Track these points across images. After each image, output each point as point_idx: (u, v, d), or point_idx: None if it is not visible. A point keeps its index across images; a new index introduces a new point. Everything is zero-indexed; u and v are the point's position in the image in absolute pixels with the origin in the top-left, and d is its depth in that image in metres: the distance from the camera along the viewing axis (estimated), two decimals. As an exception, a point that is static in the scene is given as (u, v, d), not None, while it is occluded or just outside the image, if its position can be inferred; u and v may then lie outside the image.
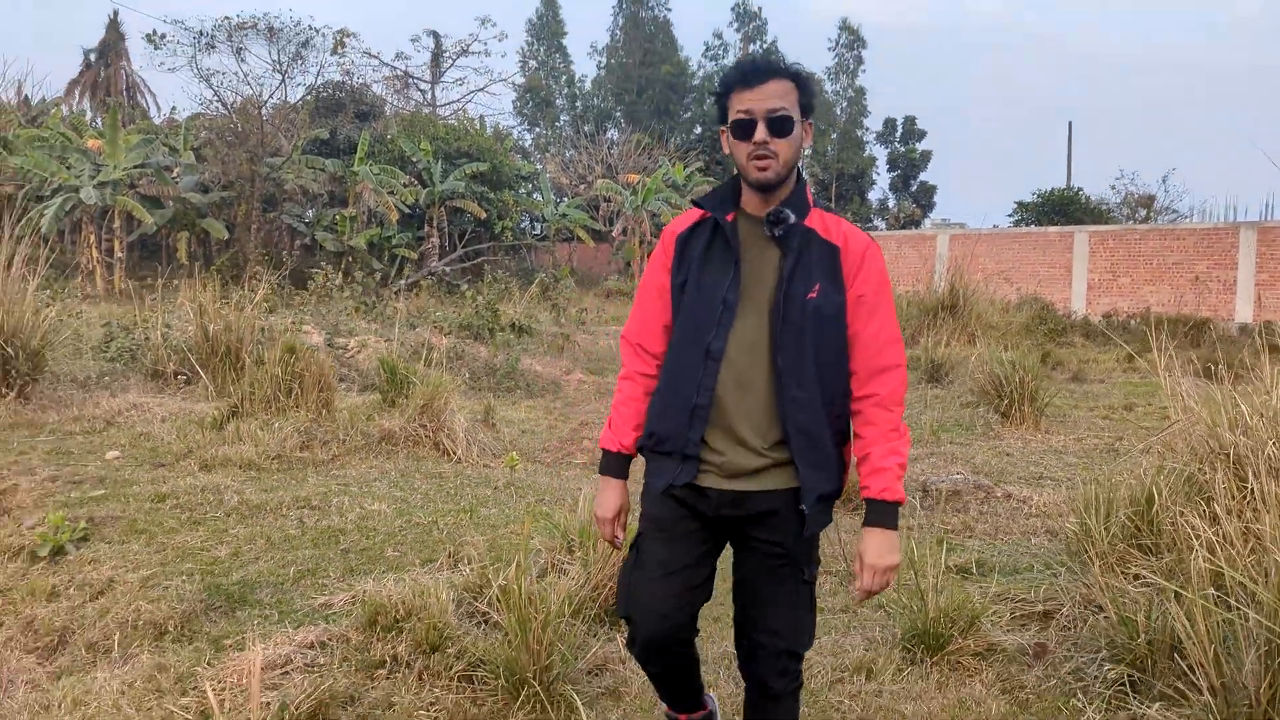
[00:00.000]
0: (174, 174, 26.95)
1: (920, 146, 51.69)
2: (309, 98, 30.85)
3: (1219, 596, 3.02)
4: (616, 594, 2.58)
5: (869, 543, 2.33)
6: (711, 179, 38.37)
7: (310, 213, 28.79)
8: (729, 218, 2.40)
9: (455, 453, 6.77)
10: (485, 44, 58.52)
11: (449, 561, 4.27)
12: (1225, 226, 21.69)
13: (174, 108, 49.51)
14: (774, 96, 2.30)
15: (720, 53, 52.88)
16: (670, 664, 2.52)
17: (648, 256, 33.64)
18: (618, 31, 52.86)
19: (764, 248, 2.37)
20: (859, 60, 52.78)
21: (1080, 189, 35.87)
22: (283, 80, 27.24)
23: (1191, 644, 2.96)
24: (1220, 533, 3.20)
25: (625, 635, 2.54)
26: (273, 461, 6.36)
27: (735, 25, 52.63)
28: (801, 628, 2.44)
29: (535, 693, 3.02)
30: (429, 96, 45.19)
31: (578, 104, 53.55)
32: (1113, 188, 38.53)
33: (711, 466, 2.36)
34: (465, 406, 7.50)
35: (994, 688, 3.35)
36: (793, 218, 2.34)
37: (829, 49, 53.21)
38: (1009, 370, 9.38)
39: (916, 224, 45.57)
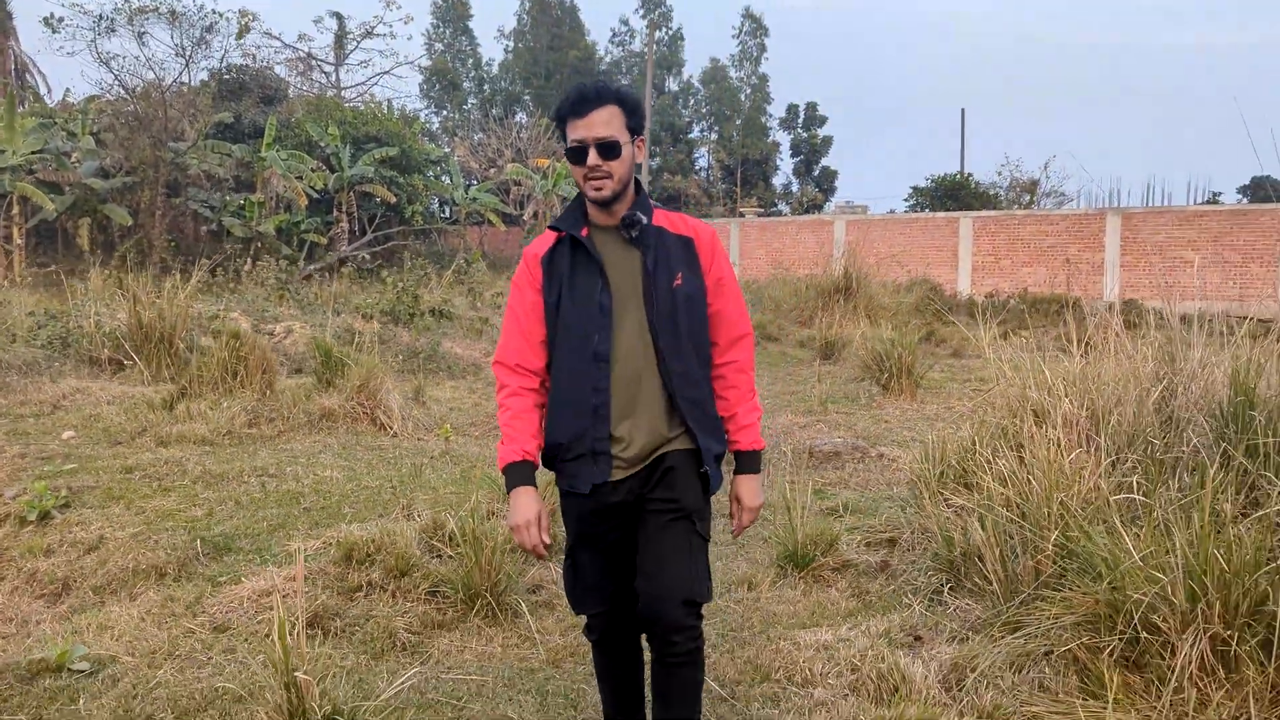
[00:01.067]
0: (73, 159, 26.58)
1: (822, 132, 53.25)
2: (211, 82, 30.62)
3: (1009, 516, 3.99)
4: (566, 594, 2.79)
5: (743, 488, 2.67)
6: (619, 164, 39.05)
7: (216, 198, 28.67)
8: (584, 233, 2.62)
9: (391, 427, 7.48)
10: (391, 26, 57.92)
11: (403, 513, 5.03)
12: (1094, 212, 23.40)
13: (68, 90, 48.12)
14: (600, 124, 2.50)
15: (627, 39, 53.66)
16: (621, 645, 2.75)
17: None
18: (525, 16, 53.12)
19: (623, 252, 2.61)
20: (762, 48, 54.08)
21: (971, 175, 37.72)
22: (186, 65, 27.05)
23: (987, 551, 3.92)
24: (1010, 469, 4.18)
25: (584, 625, 2.78)
26: (224, 437, 6.99)
27: (641, 12, 53.38)
28: (698, 577, 2.59)
29: (488, 603, 3.84)
30: (333, 79, 44.87)
31: (485, 87, 53.70)
32: (999, 174, 40.54)
33: (620, 459, 2.57)
34: (396, 387, 8.19)
35: (846, 593, 4.29)
36: (644, 220, 2.59)
37: (733, 36, 54.40)
38: (889, 348, 10.44)
39: (819, 208, 47.08)
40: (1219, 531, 3.18)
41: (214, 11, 27.02)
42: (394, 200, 31.76)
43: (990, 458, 4.60)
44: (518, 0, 53.29)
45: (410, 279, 13.68)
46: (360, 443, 7.17)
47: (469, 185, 38.23)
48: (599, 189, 2.52)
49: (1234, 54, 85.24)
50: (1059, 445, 4.35)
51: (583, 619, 2.80)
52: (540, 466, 2.64)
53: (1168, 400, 4.81)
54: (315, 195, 29.55)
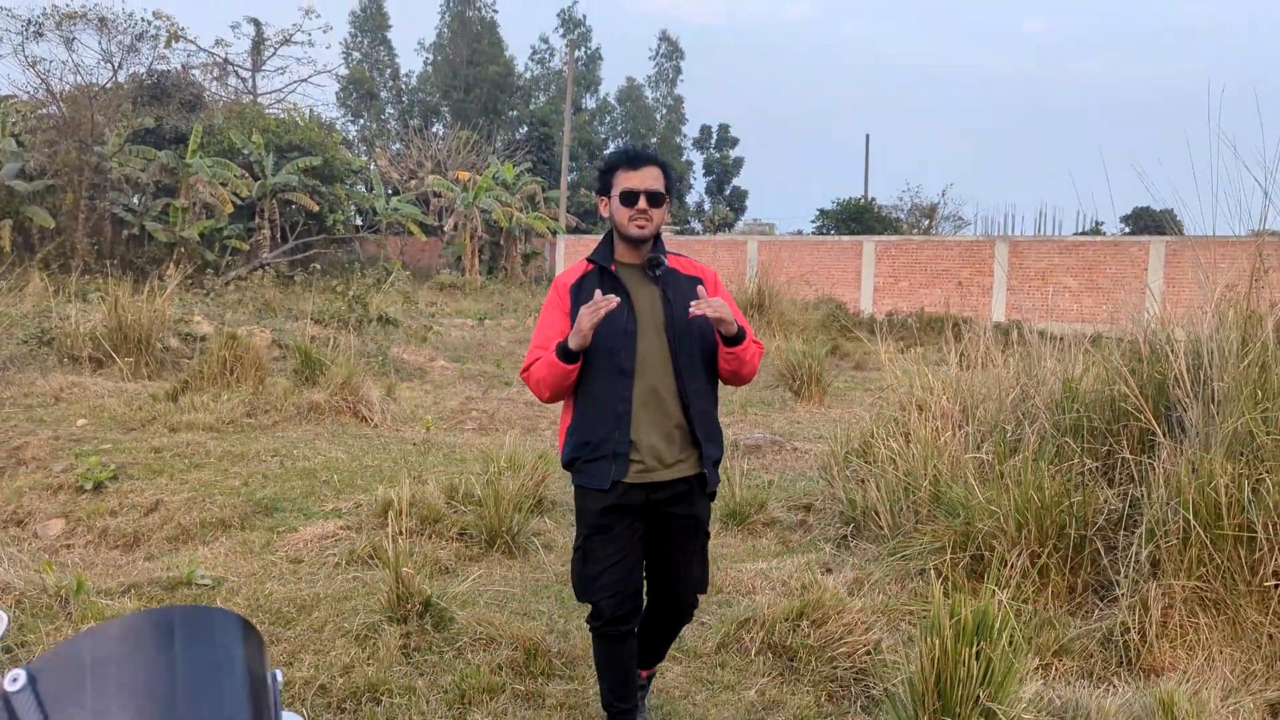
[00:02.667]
0: (-7, 161, 26.53)
1: (733, 153, 55.22)
2: (131, 85, 30.75)
3: (896, 478, 5.31)
4: (573, 583, 3.15)
5: (723, 302, 2.94)
6: (540, 179, 40.13)
7: (138, 202, 28.85)
8: (612, 267, 3.07)
9: (372, 420, 8.51)
10: (309, 34, 57.96)
11: (416, 482, 6.13)
12: (984, 240, 25.45)
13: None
14: (651, 179, 2.99)
15: (547, 56, 54.76)
16: (623, 632, 3.06)
17: (478, 252, 34.62)
18: (444, 29, 53.83)
19: (645, 287, 3.05)
20: (677, 70, 55.85)
21: (874, 199, 39.89)
22: (114, 72, 27.27)
23: (881, 506, 5.23)
24: (900, 447, 5.51)
25: (589, 613, 3.12)
26: (227, 425, 7.94)
27: (561, 31, 54.61)
28: (706, 573, 3.26)
29: (505, 542, 5.00)
30: (249, 85, 44.91)
31: (404, 98, 54.20)
32: (900, 198, 42.85)
33: (638, 462, 2.97)
34: (375, 384, 9.21)
35: (774, 540, 5.56)
36: (665, 262, 3.07)
37: (650, 58, 56.03)
38: (800, 359, 11.84)
39: (730, 226, 48.91)
40: (1038, 483, 4.53)
41: (143, 20, 27.15)
42: (316, 209, 32.27)
43: (884, 439, 5.94)
44: (438, 13, 53.97)
45: (358, 287, 14.60)
46: (347, 432, 8.19)
47: (390, 195, 38.84)
48: (642, 228, 3.00)
49: (1133, 85, 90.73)
50: (936, 429, 5.71)
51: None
52: (562, 467, 3.15)
53: (1022, 399, 6.20)
54: (239, 202, 29.94)
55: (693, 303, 2.90)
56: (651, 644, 3.34)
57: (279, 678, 1.02)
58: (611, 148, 55.47)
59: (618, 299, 2.85)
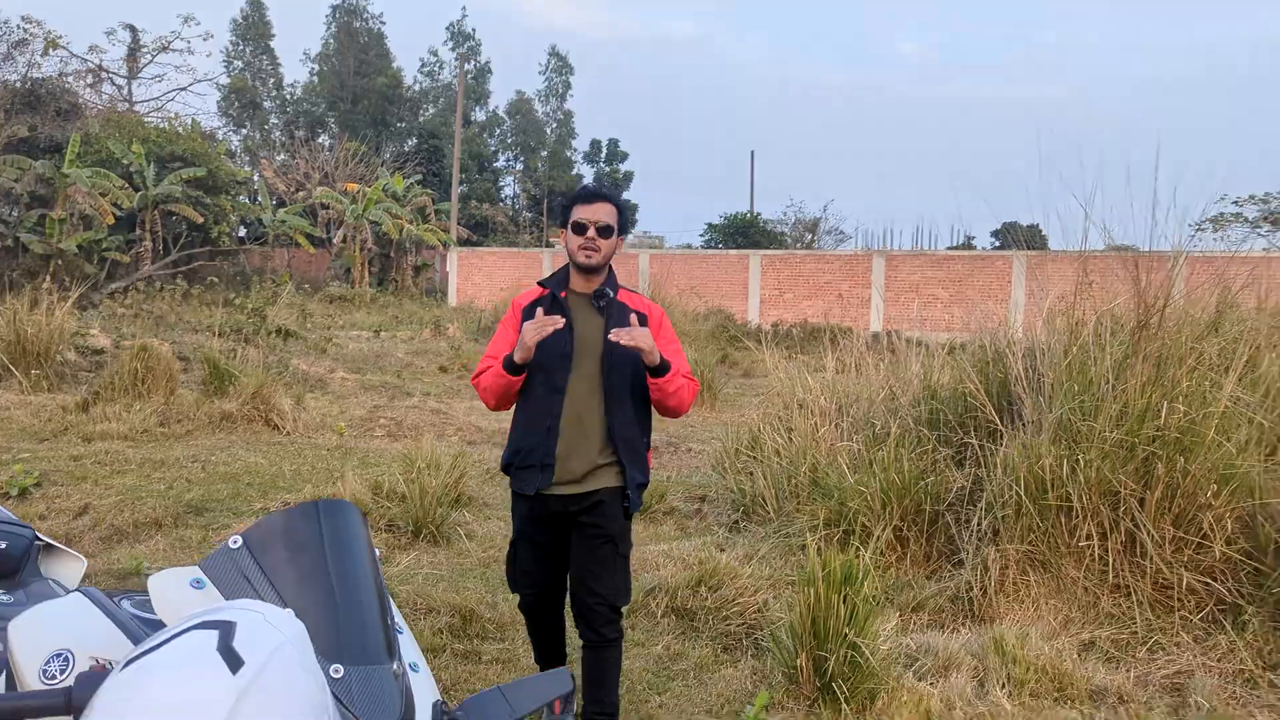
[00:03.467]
0: None
1: (623, 167, 56.13)
2: (4, 93, 29.76)
3: (780, 467, 5.98)
4: (506, 575, 3.49)
5: (647, 338, 3.07)
6: (430, 191, 40.16)
7: (12, 213, 27.94)
8: (563, 294, 3.27)
9: (285, 428, 8.82)
10: (188, 42, 56.50)
11: (338, 482, 6.52)
12: (863, 254, 26.79)
13: None
14: (603, 214, 3.20)
15: (436, 69, 54.72)
16: (546, 620, 3.42)
17: (368, 264, 34.49)
18: (330, 39, 53.30)
19: (590, 315, 3.25)
20: (567, 85, 56.52)
21: (759, 214, 41.25)
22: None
23: (767, 492, 5.89)
24: (783, 440, 6.20)
25: (518, 600, 3.47)
26: (141, 435, 8.16)
27: (450, 45, 54.67)
28: (620, 589, 3.29)
29: (431, 532, 5.48)
30: (126, 93, 43.71)
31: (288, 108, 53.40)
32: (784, 214, 44.38)
33: (560, 473, 3.18)
34: (287, 394, 9.50)
35: (673, 527, 6.17)
36: (612, 295, 3.26)
37: (540, 72, 56.56)
38: (693, 367, 12.53)
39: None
40: (900, 467, 5.26)
41: (20, 26, 26.38)
42: (201, 220, 31.70)
43: (770, 434, 6.63)
44: (323, 24, 53.41)
45: (259, 300, 14.71)
46: (261, 439, 8.49)
47: (277, 207, 38.32)
48: (589, 256, 3.20)
49: (1001, 104, 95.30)
50: (815, 424, 6.42)
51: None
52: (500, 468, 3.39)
53: (890, 398, 6.96)
54: (119, 214, 29.25)
55: (614, 330, 3.07)
56: (591, 690, 3.30)
57: (379, 553, 1.59)
58: (502, 160, 55.80)
59: (562, 320, 3.09)
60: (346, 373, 14.28)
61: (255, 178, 40.83)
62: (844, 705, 3.61)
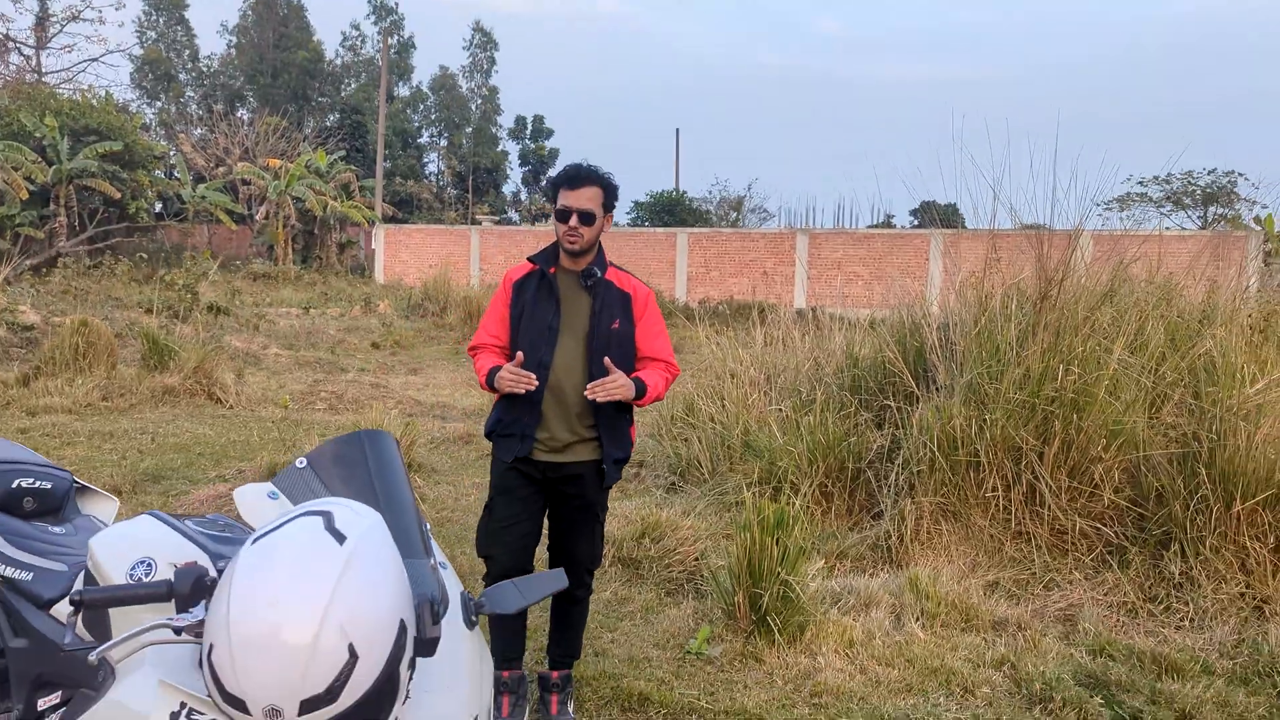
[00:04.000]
0: None
1: (549, 144, 56.04)
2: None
3: (713, 432, 6.39)
4: (476, 540, 3.42)
5: (621, 379, 3.16)
6: (354, 167, 39.74)
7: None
8: (551, 270, 3.31)
9: (228, 401, 8.96)
10: (99, 11, 54.78)
11: (291, 452, 6.74)
12: (786, 232, 27.41)
13: None
14: (585, 199, 3.20)
15: (358, 44, 53.88)
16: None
17: (291, 241, 33.99)
18: (249, 11, 52.10)
19: (577, 293, 3.31)
20: (492, 60, 56.11)
21: (685, 192, 41.65)
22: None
23: (702, 455, 6.29)
24: (716, 407, 6.61)
25: (485, 571, 3.39)
26: (85, 409, 8.24)
27: (373, 19, 53.86)
28: (596, 553, 3.47)
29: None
30: (34, 63, 42.30)
31: (205, 81, 52.13)
32: (709, 192, 44.94)
33: (540, 444, 3.26)
34: (229, 368, 9.61)
35: (615, 491, 6.51)
36: (599, 274, 3.29)
37: (464, 48, 56.03)
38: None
39: (547, 216, 49.73)
40: (825, 429, 5.70)
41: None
42: (118, 196, 30.99)
43: (704, 403, 7.03)
44: (242, -5, 52.15)
45: (190, 276, 14.64)
46: (204, 413, 8.62)
47: (196, 182, 37.55)
48: (572, 243, 3.24)
49: (923, 84, 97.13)
50: (745, 393, 6.84)
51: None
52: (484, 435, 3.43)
53: (815, 368, 7.42)
54: (33, 189, 28.46)
55: (589, 387, 3.14)
56: (558, 634, 3.54)
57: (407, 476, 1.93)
58: (426, 137, 55.26)
59: (534, 383, 3.14)
60: (279, 349, 14.34)
61: (172, 153, 39.89)
62: (777, 636, 4.03)
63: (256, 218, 37.60)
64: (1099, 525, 5.07)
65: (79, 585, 2.03)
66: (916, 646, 4.10)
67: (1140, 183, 37.33)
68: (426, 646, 1.52)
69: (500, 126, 55.99)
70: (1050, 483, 5.10)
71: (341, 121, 49.26)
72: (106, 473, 6.27)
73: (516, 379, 3.15)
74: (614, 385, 3.14)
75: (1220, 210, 36.51)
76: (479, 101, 55.79)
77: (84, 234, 30.78)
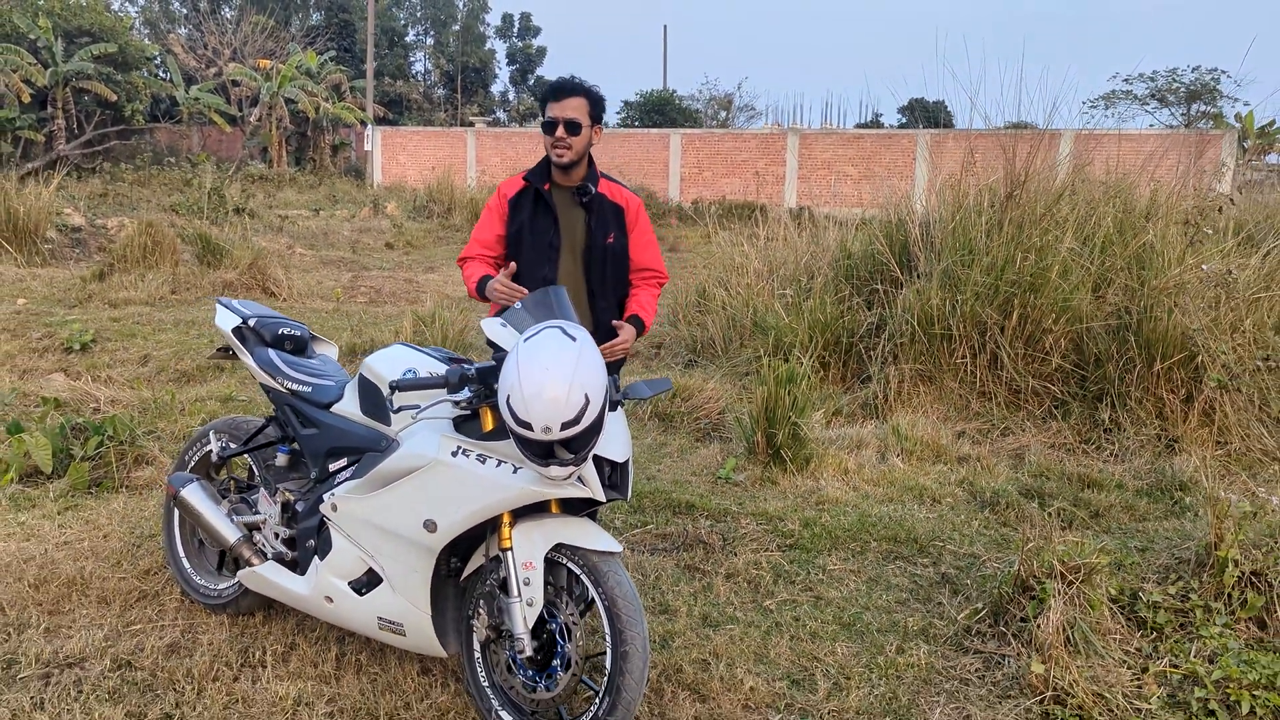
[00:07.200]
0: None
1: (536, 42, 55.71)
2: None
3: (727, 317, 7.45)
4: None
5: (623, 332, 3.36)
6: (344, 68, 39.76)
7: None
8: (545, 187, 3.39)
9: (281, 295, 9.94)
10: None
11: (359, 334, 7.75)
12: (777, 132, 28.07)
13: None
14: (571, 109, 3.27)
15: (343, -62, 52.84)
16: None
17: (285, 142, 34.24)
18: (230, -95, 51.02)
19: (572, 208, 3.40)
20: (478, -44, 55.28)
21: (674, 90, 41.90)
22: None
23: (716, 335, 7.36)
24: (725, 296, 7.65)
25: None
26: (158, 301, 9.21)
27: (356, -89, 52.75)
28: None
29: (453, 367, 6.83)
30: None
31: (189, -22, 51.32)
32: (699, 90, 45.10)
33: None
34: (281, 264, 10.56)
35: (638, 366, 7.61)
36: (594, 190, 3.37)
37: (449, -57, 55.05)
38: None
39: (535, 116, 49.85)
40: (823, 310, 6.75)
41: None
42: (114, 99, 31.23)
43: (714, 290, 8.07)
44: (223, -112, 50.92)
45: (218, 180, 15.42)
46: (264, 304, 9.59)
47: (189, 84, 37.60)
48: (560, 155, 3.30)
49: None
50: (750, 282, 7.88)
51: None
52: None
53: (812, 260, 8.44)
54: (33, 92, 28.74)
55: (611, 347, 3.24)
56: None
57: None
58: (412, 35, 54.83)
59: (524, 294, 3.10)
60: (303, 249, 15.23)
61: (159, 54, 39.74)
62: (789, 465, 5.14)
63: (250, 119, 37.78)
64: (1048, 385, 6.17)
65: (392, 378, 2.76)
66: (897, 473, 5.23)
67: (1126, 80, 37.88)
68: (613, 405, 2.58)
69: (487, 25, 55.57)
70: (1009, 351, 6.18)
71: (328, 20, 48.81)
72: (205, 352, 7.27)
73: (510, 293, 3.20)
74: (621, 345, 3.34)
75: (1203, 107, 37.15)
76: (466, -1, 55.22)
77: (82, 137, 31.13)
